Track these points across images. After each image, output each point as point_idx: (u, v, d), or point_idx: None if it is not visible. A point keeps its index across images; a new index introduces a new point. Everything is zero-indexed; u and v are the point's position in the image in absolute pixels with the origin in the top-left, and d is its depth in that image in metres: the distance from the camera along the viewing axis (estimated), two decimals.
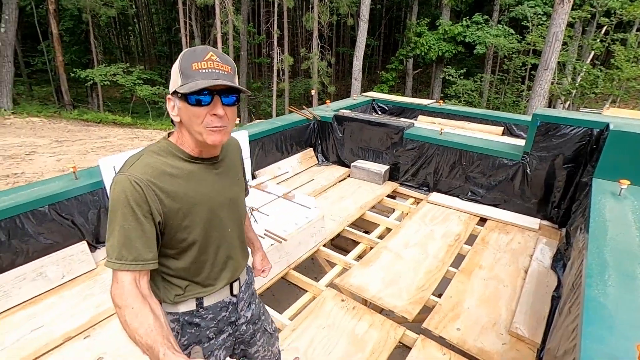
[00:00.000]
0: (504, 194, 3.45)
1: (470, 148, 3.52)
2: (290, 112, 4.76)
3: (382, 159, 4.21)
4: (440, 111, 5.18)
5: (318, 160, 4.68)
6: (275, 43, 12.31)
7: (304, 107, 4.86)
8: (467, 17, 13.26)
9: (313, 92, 4.82)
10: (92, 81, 13.44)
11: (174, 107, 1.00)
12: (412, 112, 5.45)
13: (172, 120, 1.05)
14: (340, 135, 4.45)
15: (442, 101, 5.32)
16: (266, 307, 2.31)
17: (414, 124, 4.13)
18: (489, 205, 3.54)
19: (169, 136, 1.08)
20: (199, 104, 0.95)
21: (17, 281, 2.27)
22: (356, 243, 3.20)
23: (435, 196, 3.77)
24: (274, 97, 13.58)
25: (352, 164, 4.25)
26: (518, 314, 2.22)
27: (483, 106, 13.27)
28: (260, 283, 2.42)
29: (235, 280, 1.25)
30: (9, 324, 2.11)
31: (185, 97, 0.95)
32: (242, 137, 3.28)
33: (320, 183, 4.09)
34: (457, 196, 3.72)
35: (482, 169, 3.51)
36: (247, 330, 1.34)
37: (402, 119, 4.72)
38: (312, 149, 4.64)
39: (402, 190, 4.05)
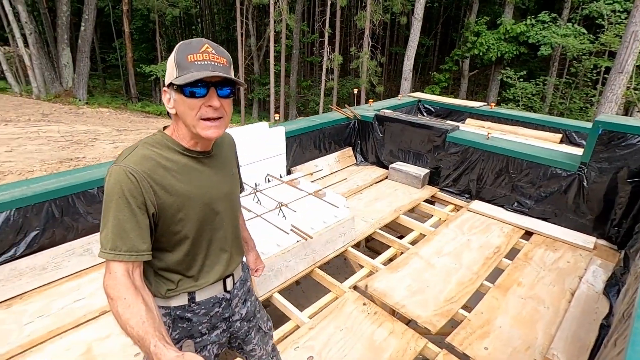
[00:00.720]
0: (555, 207, 3.15)
1: (519, 155, 3.26)
2: (332, 110, 4.74)
3: (422, 162, 4.05)
4: (491, 115, 4.87)
5: (356, 160, 4.61)
6: (326, 42, 12.35)
7: (346, 105, 4.82)
8: (532, 16, 12.32)
9: (356, 91, 4.75)
10: (154, 76, 14.46)
11: (170, 100, 1.00)
12: (459, 114, 5.18)
13: (168, 113, 1.05)
14: (381, 135, 4.35)
15: (493, 104, 4.99)
16: (287, 302, 2.33)
17: (458, 127, 3.91)
18: (537, 219, 3.25)
19: (164, 129, 1.08)
20: (193, 95, 0.95)
21: (67, 255, 2.50)
22: (387, 247, 3.11)
23: (476, 204, 3.54)
24: (322, 95, 13.66)
25: (391, 165, 4.14)
26: (557, 339, 2.01)
27: (545, 112, 12.27)
28: (283, 279, 2.44)
29: (228, 276, 1.23)
30: (57, 293, 2.32)
31: (180, 89, 0.94)
32: (279, 133, 3.33)
33: (355, 183, 4.03)
34: (502, 206, 3.47)
35: (531, 179, 3.24)
36: (241, 328, 1.33)
37: (447, 122, 4.50)
38: (351, 148, 4.59)
39: (442, 195, 3.86)
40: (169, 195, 1.01)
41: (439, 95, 16.21)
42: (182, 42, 0.98)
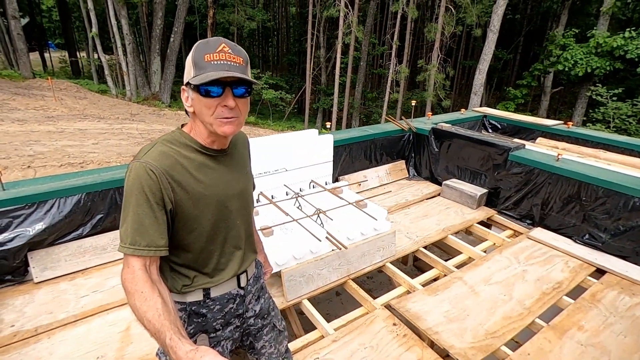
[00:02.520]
0: (636, 244, 2.70)
1: (594, 181, 2.87)
2: (388, 121, 4.65)
3: (480, 181, 3.77)
4: (568, 135, 4.37)
5: (409, 173, 4.44)
6: (393, 53, 12.23)
7: (402, 117, 4.69)
8: (633, 28, 10.91)
9: (414, 104, 4.60)
10: None
11: (188, 98, 1.02)
12: (530, 132, 4.74)
13: (186, 111, 1.07)
14: (436, 150, 4.15)
15: (571, 123, 4.48)
16: (315, 311, 2.30)
17: (524, 145, 3.57)
18: (613, 256, 2.82)
19: (182, 127, 1.11)
20: (208, 94, 0.96)
21: None
22: (430, 267, 2.92)
23: (539, 232, 3.18)
24: (385, 107, 13.50)
25: (444, 182, 3.91)
26: None
27: None
28: (314, 287, 2.41)
29: (242, 273, 1.25)
30: (113, 272, 2.55)
31: (197, 88, 0.96)
32: (327, 141, 3.34)
33: (405, 197, 3.87)
34: (570, 237, 3.07)
35: (608, 209, 2.82)
36: (255, 324, 1.34)
37: (512, 139, 4.14)
38: (404, 161, 4.44)
39: (500, 219, 3.54)
40: (186, 193, 1.03)
41: (513, 112, 15.05)
42: (200, 41, 0.99)
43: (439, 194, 3.98)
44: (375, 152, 4.16)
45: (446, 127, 4.10)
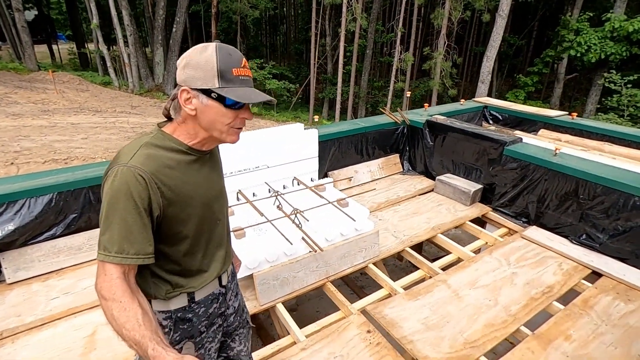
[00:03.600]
0: (635, 246, 2.53)
1: (592, 177, 2.69)
2: (382, 113, 4.48)
3: (475, 177, 3.60)
4: (572, 127, 4.15)
5: (403, 168, 4.29)
6: (398, 41, 11.87)
7: (398, 109, 4.52)
8: None
9: (408, 94, 4.42)
10: None
11: (191, 101, 0.98)
12: (532, 124, 4.52)
13: (167, 112, 1.06)
14: (431, 143, 3.98)
15: (575, 114, 4.24)
16: (288, 316, 2.21)
17: (521, 139, 3.38)
18: (610, 257, 2.65)
19: (160, 127, 1.08)
20: (233, 106, 0.99)
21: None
22: (416, 268, 2.80)
23: (533, 231, 3.02)
24: (390, 96, 13.20)
25: (438, 177, 3.76)
26: None
27: None
28: (290, 290, 2.32)
29: (224, 272, 1.26)
30: (87, 273, 2.51)
31: (222, 99, 0.97)
32: (312, 136, 3.21)
33: (396, 193, 3.74)
34: (566, 237, 2.91)
35: (606, 208, 2.64)
36: (233, 322, 1.37)
37: (512, 132, 3.95)
38: (398, 155, 4.28)
39: (494, 216, 3.38)
40: (174, 195, 1.01)
41: (524, 100, 14.56)
42: (219, 48, 0.97)
43: (432, 190, 3.83)
44: (367, 145, 4.01)
45: (441, 119, 3.92)
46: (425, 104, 4.61)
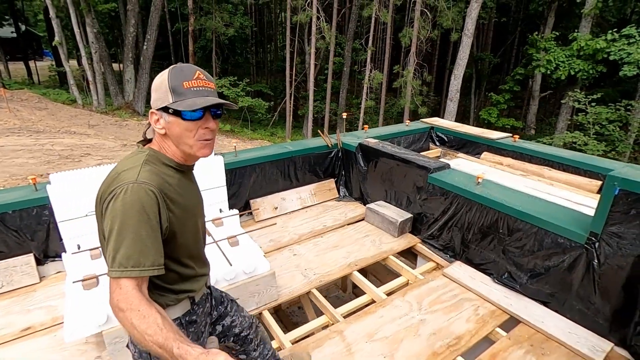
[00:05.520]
0: (554, 288, 2.27)
1: (510, 210, 2.45)
2: (319, 135, 4.24)
3: (405, 205, 3.35)
4: (513, 150, 3.95)
5: (339, 193, 4.03)
6: (368, 59, 11.85)
7: (337, 130, 4.28)
8: (615, 30, 10.50)
9: (345, 115, 4.19)
10: None
11: (159, 121, 1.07)
12: (476, 146, 4.32)
13: (145, 132, 1.16)
14: (364, 168, 3.73)
15: (517, 137, 4.06)
16: None
17: (448, 165, 3.15)
18: (532, 300, 2.38)
19: (145, 146, 1.14)
20: (192, 119, 1.03)
21: None
22: (319, 313, 2.49)
23: (455, 268, 2.75)
24: (361, 114, 13.10)
25: (367, 205, 3.49)
26: None
27: (630, 146, 10.18)
28: None
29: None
30: None
31: (178, 113, 1.02)
32: (216, 164, 2.93)
33: (323, 223, 3.46)
34: (490, 274, 2.64)
35: (525, 244, 2.39)
36: (219, 310, 1.47)
37: (454, 154, 3.73)
38: (333, 180, 4.02)
39: (422, 248, 3.12)
40: (176, 209, 1.09)
41: (496, 117, 14.60)
42: (172, 67, 1.05)
43: (364, 218, 3.56)
44: (296, 171, 3.74)
45: (372, 142, 3.68)
46: (365, 126, 4.39)
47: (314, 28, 11.44)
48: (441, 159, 4.71)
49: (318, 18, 11.15)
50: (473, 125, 18.45)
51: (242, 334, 1.57)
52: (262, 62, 30.59)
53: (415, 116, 14.90)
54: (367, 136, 4.16)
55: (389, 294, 2.59)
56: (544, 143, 11.01)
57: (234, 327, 1.53)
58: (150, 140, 1.15)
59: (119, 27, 17.96)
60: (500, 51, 21.11)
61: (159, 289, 1.13)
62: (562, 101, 11.61)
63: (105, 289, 2.00)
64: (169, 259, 1.09)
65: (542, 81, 15.92)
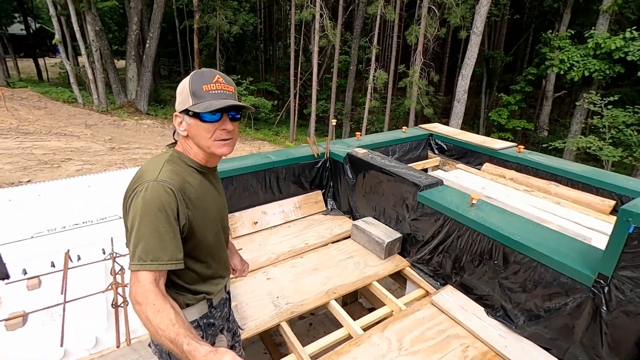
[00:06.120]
0: (555, 332, 1.96)
1: (504, 239, 2.14)
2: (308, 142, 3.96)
3: (395, 223, 3.06)
4: (517, 161, 3.62)
5: (327, 206, 3.75)
6: (373, 58, 11.49)
7: (327, 138, 4.00)
8: (635, 28, 9.94)
9: (334, 122, 3.91)
10: None
11: (182, 123, 1.14)
12: (477, 156, 3.99)
13: (173, 134, 1.23)
14: (353, 180, 3.45)
15: (522, 147, 3.72)
16: None
17: (441, 182, 2.84)
18: (530, 342, 2.07)
19: (171, 147, 1.21)
20: (210, 121, 1.10)
21: None
22: (285, 353, 2.23)
23: (446, 296, 2.45)
24: (365, 114, 12.76)
25: (354, 222, 3.21)
26: None
27: None
28: None
29: (228, 277, 1.40)
30: None
31: (197, 115, 1.09)
32: None
33: (306, 240, 3.19)
34: (484, 305, 2.34)
35: (522, 279, 2.08)
36: (233, 327, 1.51)
37: (454, 164, 3.42)
38: (320, 192, 3.75)
39: (412, 273, 2.82)
40: (195, 208, 1.13)
41: (507, 119, 14.08)
42: (194, 72, 1.12)
43: (350, 235, 3.28)
44: (279, 182, 3.48)
45: (361, 153, 3.39)
46: (357, 133, 4.10)
47: (317, 26, 11.13)
48: (440, 169, 4.39)
49: (321, 15, 10.84)
50: (483, 127, 17.91)
51: None
52: (271, 59, 30.35)
53: (421, 117, 14.49)
54: (359, 144, 3.88)
55: (367, 327, 2.31)
56: (557, 147, 10.54)
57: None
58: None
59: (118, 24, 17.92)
60: (513, 49, 20.49)
61: (177, 288, 1.17)
62: (577, 103, 11.07)
63: (34, 330, 1.76)
64: (188, 257, 1.13)
65: (557, 81, 15.33)
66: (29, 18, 23.22)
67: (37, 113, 9.21)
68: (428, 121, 16.62)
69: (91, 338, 1.75)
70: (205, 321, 1.26)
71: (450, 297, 2.45)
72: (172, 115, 1.17)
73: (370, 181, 3.24)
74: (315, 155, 3.57)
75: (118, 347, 1.74)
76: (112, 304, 1.92)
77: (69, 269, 2.07)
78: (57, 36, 12.24)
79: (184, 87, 1.10)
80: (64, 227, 2.25)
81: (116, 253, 2.23)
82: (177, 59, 26.39)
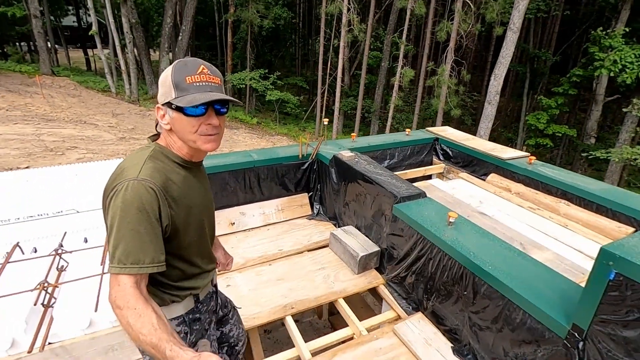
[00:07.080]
0: None
1: (473, 267, 1.83)
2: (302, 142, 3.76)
3: (376, 236, 2.80)
4: (526, 174, 3.21)
5: (313, 210, 3.54)
6: (401, 55, 10.99)
7: (319, 138, 3.78)
8: None
9: (326, 122, 3.68)
10: (232, 84, 15.12)
11: (165, 116, 1.08)
12: (484, 165, 3.61)
13: (156, 126, 1.15)
14: (337, 185, 3.22)
15: (533, 158, 3.29)
16: None
17: (423, 194, 2.54)
18: None
19: (153, 141, 1.15)
20: (194, 115, 1.03)
21: None
22: None
23: (411, 326, 2.18)
24: (390, 112, 12.28)
25: (332, 231, 2.98)
26: None
27: None
28: None
29: (213, 270, 1.37)
30: None
31: (180, 109, 1.02)
32: None
33: (280, 246, 3.01)
34: (453, 340, 2.05)
35: (492, 317, 1.78)
36: (223, 313, 1.51)
37: (457, 173, 3.09)
38: (306, 194, 3.55)
39: (385, 293, 2.57)
40: (178, 206, 1.08)
41: (546, 124, 13.00)
42: (177, 61, 1.06)
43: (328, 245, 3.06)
44: (260, 183, 3.32)
45: (346, 156, 3.14)
46: (353, 134, 3.84)
47: (344, 20, 10.82)
48: (445, 177, 4.04)
49: (348, 10, 10.51)
50: (522, 131, 16.72)
51: (236, 348, 1.59)
52: (309, 54, 30.27)
53: (452, 119, 13.77)
54: (352, 146, 3.63)
55: (318, 352, 2.09)
56: (599, 157, 9.58)
57: (231, 337, 1.57)
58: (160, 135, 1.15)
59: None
60: (562, 48, 18.95)
61: (162, 286, 1.14)
62: (625, 109, 10.00)
63: None
64: (172, 256, 1.09)
65: (610, 83, 13.98)
66: (80, 11, 24.63)
67: (70, 101, 9.74)
68: (458, 123, 15.80)
69: (8, 339, 1.68)
70: (191, 316, 1.24)
71: (417, 327, 2.18)
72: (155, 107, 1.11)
73: (353, 187, 2.99)
74: (300, 156, 3.37)
75: (30, 352, 1.66)
76: (42, 303, 1.85)
77: (8, 262, 2.03)
78: (95, 28, 12.89)
79: (166, 78, 1.04)
80: (18, 219, 2.22)
81: (62, 249, 2.17)
82: (215, 52, 27.01)
